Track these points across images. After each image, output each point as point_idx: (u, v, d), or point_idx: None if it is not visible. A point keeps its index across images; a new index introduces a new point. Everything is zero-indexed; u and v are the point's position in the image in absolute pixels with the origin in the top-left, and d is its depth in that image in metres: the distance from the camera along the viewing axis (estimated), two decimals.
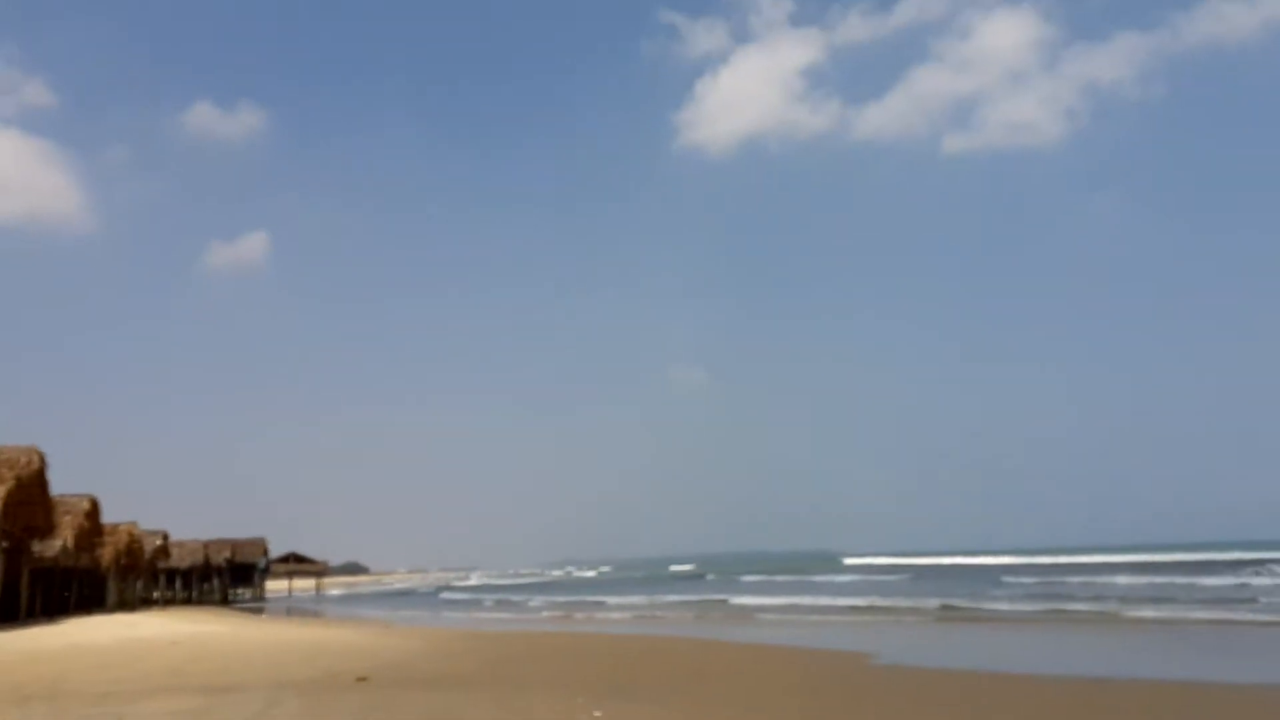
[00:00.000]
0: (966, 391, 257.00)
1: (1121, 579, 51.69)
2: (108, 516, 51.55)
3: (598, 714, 11.29)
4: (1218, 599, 35.74)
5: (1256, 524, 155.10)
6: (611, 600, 53.20)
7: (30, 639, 28.75)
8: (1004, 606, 36.06)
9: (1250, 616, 28.56)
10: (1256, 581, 45.69)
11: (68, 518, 43.42)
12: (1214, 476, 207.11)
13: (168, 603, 71.33)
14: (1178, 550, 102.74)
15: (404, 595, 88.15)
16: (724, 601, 48.12)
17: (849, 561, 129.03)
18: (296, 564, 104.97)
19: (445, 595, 78.77)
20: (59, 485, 40.35)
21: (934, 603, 38.72)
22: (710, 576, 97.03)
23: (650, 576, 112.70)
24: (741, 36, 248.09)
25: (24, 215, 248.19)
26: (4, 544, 35.61)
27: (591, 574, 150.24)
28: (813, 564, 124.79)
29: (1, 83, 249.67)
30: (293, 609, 64.32)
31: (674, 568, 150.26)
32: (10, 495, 34.37)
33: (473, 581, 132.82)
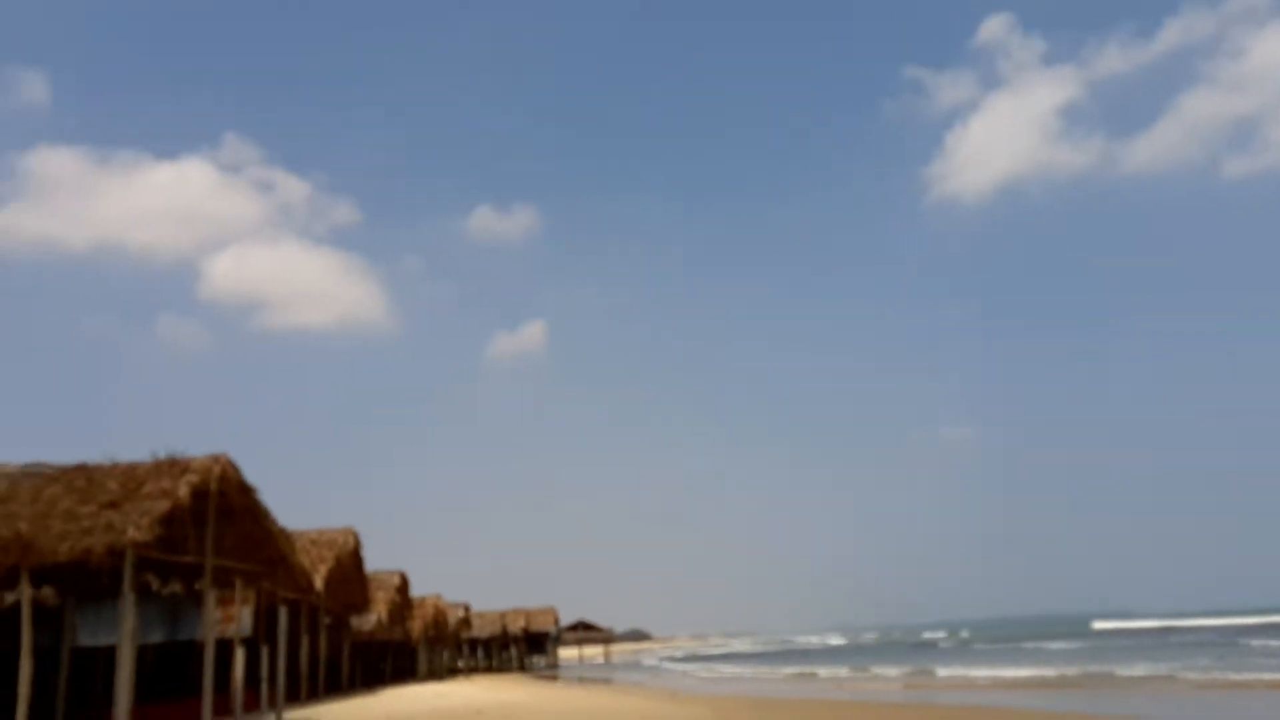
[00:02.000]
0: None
1: None
2: (414, 591, 54.76)
3: None
4: None
5: None
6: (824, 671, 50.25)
7: (351, 709, 30.73)
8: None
9: None
10: None
11: (381, 593, 46.42)
12: None
13: (470, 671, 74.82)
14: None
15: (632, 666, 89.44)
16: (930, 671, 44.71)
17: (1099, 625, 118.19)
18: (585, 632, 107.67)
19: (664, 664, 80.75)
20: (371, 562, 43.30)
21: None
22: (944, 644, 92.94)
23: (920, 644, 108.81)
24: (991, 83, 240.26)
25: (338, 321, 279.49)
26: (327, 620, 38.41)
27: (840, 642, 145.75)
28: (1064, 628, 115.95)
29: (317, 205, 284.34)
30: (584, 676, 65.81)
31: (927, 634, 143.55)
32: (331, 574, 37.11)
33: (728, 649, 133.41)
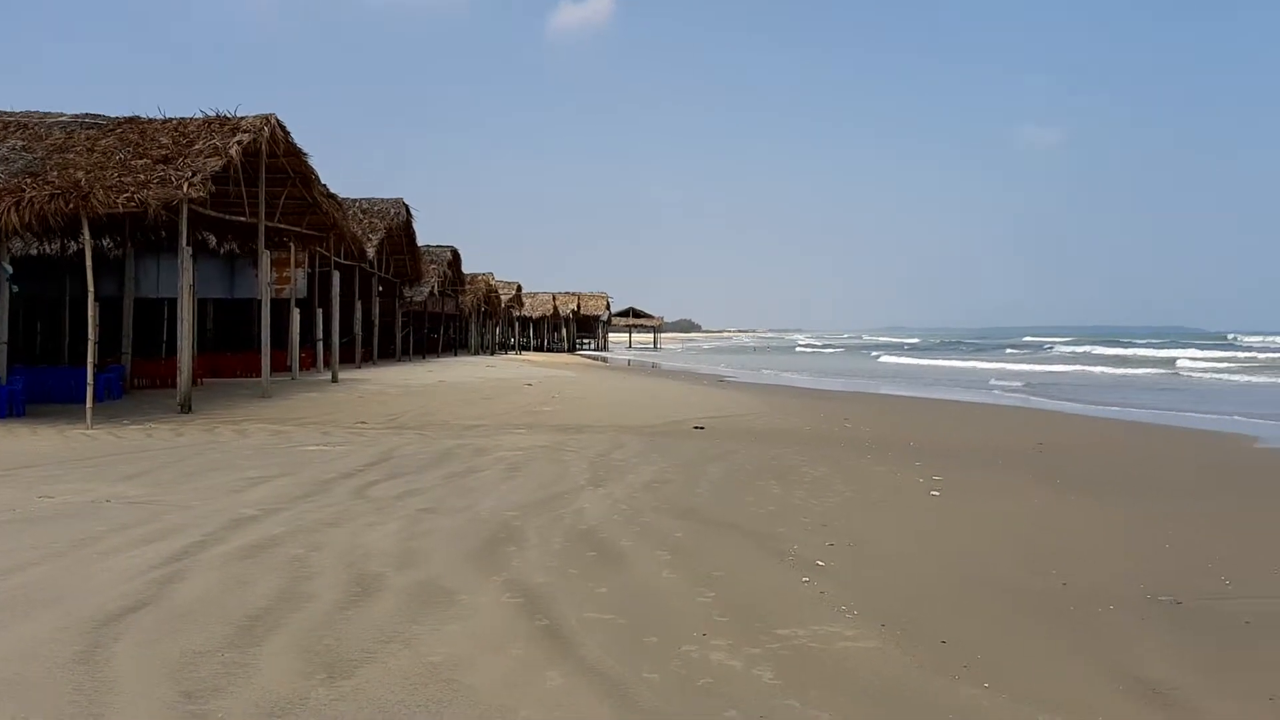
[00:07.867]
0: None
1: None
2: (467, 268, 55.89)
3: (938, 478, 10.85)
4: None
5: None
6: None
7: (404, 374, 32.12)
8: None
9: None
10: None
11: (433, 266, 47.39)
12: None
13: (521, 348, 77.63)
14: None
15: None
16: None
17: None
18: (635, 319, 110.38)
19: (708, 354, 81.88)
20: (424, 237, 43.87)
21: None
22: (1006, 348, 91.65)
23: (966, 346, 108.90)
24: None
25: None
26: (379, 289, 39.45)
27: (884, 340, 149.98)
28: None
29: None
30: (632, 361, 67.97)
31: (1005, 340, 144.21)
32: (382, 244, 37.73)
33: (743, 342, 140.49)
